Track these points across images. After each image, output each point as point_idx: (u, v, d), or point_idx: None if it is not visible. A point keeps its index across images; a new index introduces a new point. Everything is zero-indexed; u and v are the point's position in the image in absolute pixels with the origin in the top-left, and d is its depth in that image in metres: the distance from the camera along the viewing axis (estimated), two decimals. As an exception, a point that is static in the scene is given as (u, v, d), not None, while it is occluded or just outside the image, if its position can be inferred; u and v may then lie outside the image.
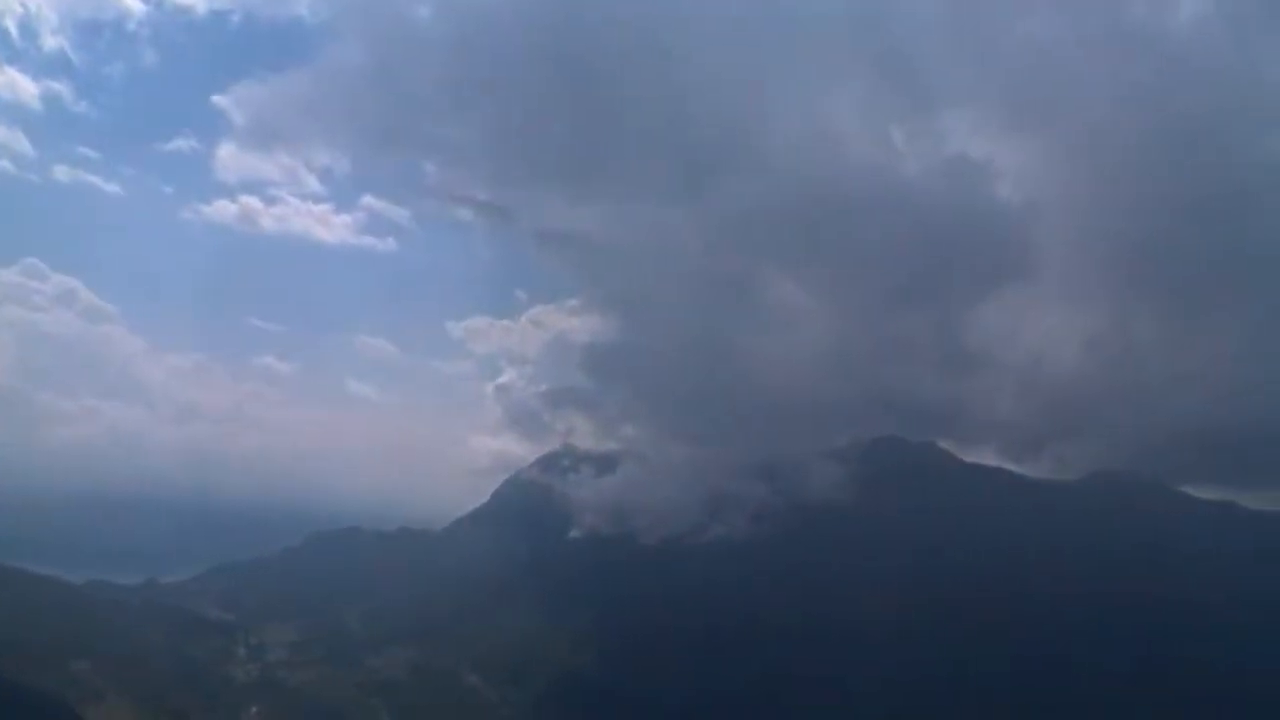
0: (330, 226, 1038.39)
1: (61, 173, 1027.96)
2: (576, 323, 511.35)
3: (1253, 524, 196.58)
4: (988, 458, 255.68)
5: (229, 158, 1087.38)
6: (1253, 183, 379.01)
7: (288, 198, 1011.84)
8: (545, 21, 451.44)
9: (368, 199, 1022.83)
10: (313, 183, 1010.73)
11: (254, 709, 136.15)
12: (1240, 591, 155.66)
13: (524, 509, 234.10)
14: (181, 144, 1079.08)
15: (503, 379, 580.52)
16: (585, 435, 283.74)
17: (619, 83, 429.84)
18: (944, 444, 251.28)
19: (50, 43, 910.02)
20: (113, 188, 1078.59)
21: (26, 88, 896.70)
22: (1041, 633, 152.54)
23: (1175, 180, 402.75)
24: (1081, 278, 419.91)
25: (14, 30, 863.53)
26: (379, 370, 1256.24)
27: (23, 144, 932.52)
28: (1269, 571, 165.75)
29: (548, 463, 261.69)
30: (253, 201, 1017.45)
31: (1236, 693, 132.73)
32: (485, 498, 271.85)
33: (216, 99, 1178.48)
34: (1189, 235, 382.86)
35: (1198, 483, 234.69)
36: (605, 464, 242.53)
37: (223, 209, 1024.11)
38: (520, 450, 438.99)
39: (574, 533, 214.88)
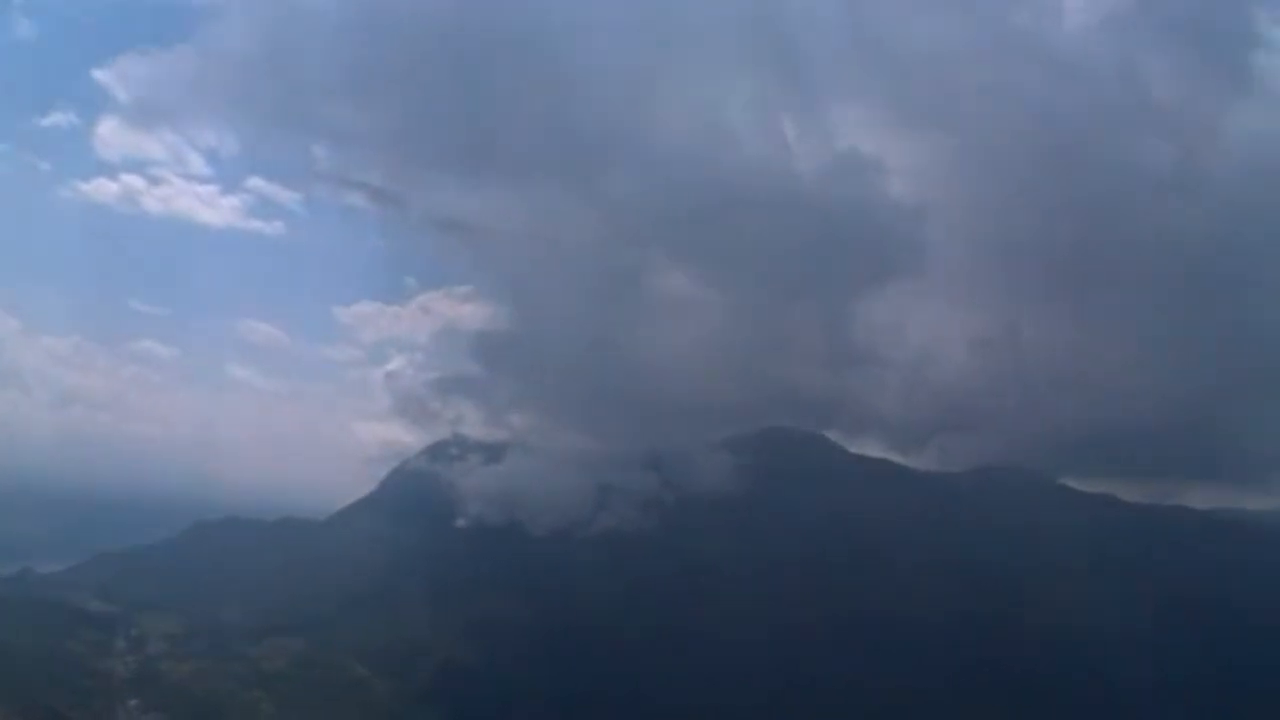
0: (216, 208, 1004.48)
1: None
2: (467, 310, 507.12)
3: (1131, 516, 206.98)
4: (874, 449, 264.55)
5: (110, 134, 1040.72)
6: (1136, 188, 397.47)
7: (172, 177, 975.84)
8: (440, 7, 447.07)
9: (256, 181, 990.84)
10: (198, 163, 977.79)
11: (132, 703, 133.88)
12: (1118, 581, 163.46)
13: (411, 498, 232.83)
14: (59, 119, 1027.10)
15: (391, 366, 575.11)
16: (474, 424, 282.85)
17: (514, 71, 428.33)
18: (831, 435, 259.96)
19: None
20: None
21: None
22: (925, 621, 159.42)
23: (1061, 183, 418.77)
24: (969, 276, 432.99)
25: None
26: (264, 356, 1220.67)
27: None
28: (1146, 561, 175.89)
29: (436, 451, 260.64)
30: (135, 180, 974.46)
31: (1112, 678, 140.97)
32: (372, 486, 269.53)
33: (97, 73, 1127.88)
34: (1073, 238, 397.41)
35: (1079, 476, 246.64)
36: (494, 453, 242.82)
37: (103, 187, 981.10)
38: (408, 438, 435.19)
39: (461, 522, 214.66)
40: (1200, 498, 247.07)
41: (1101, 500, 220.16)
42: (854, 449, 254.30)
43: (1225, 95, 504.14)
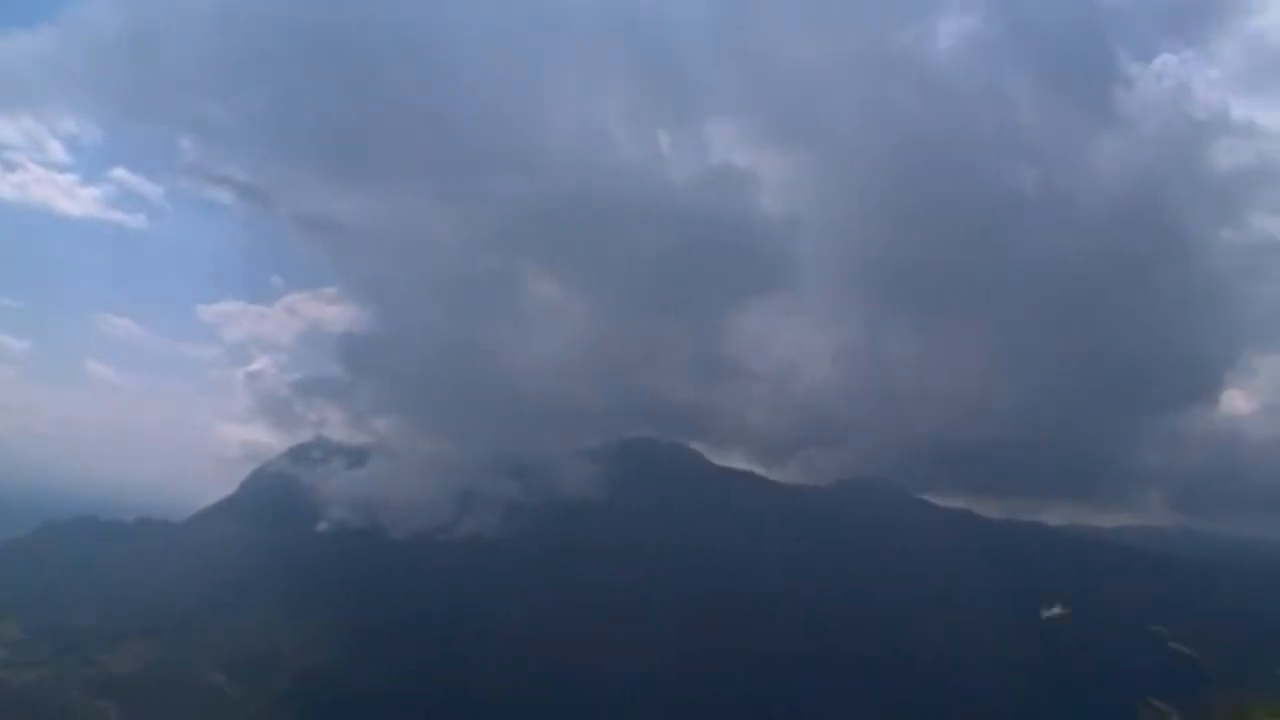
0: (76, 198, 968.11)
1: None
2: (333, 312, 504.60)
3: (988, 531, 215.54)
4: (738, 461, 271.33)
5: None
6: (1000, 209, 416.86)
7: (29, 164, 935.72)
8: (314, 3, 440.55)
9: (119, 172, 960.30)
10: (58, 150, 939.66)
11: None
12: (973, 595, 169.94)
13: (272, 501, 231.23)
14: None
15: (254, 366, 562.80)
16: (337, 427, 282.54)
17: (387, 73, 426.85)
18: (696, 446, 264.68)
19: None
20: None
21: None
22: (784, 633, 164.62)
23: (929, 202, 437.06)
24: (837, 291, 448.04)
25: None
26: (123, 352, 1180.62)
27: None
28: (1001, 576, 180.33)
29: (298, 454, 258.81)
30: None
31: (967, 690, 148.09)
32: (232, 488, 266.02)
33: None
34: (938, 258, 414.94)
35: (939, 491, 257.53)
36: (357, 457, 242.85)
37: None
38: (270, 440, 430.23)
39: (323, 526, 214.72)
40: (1055, 514, 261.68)
41: (959, 515, 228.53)
42: (719, 461, 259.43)
43: (1087, 124, 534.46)
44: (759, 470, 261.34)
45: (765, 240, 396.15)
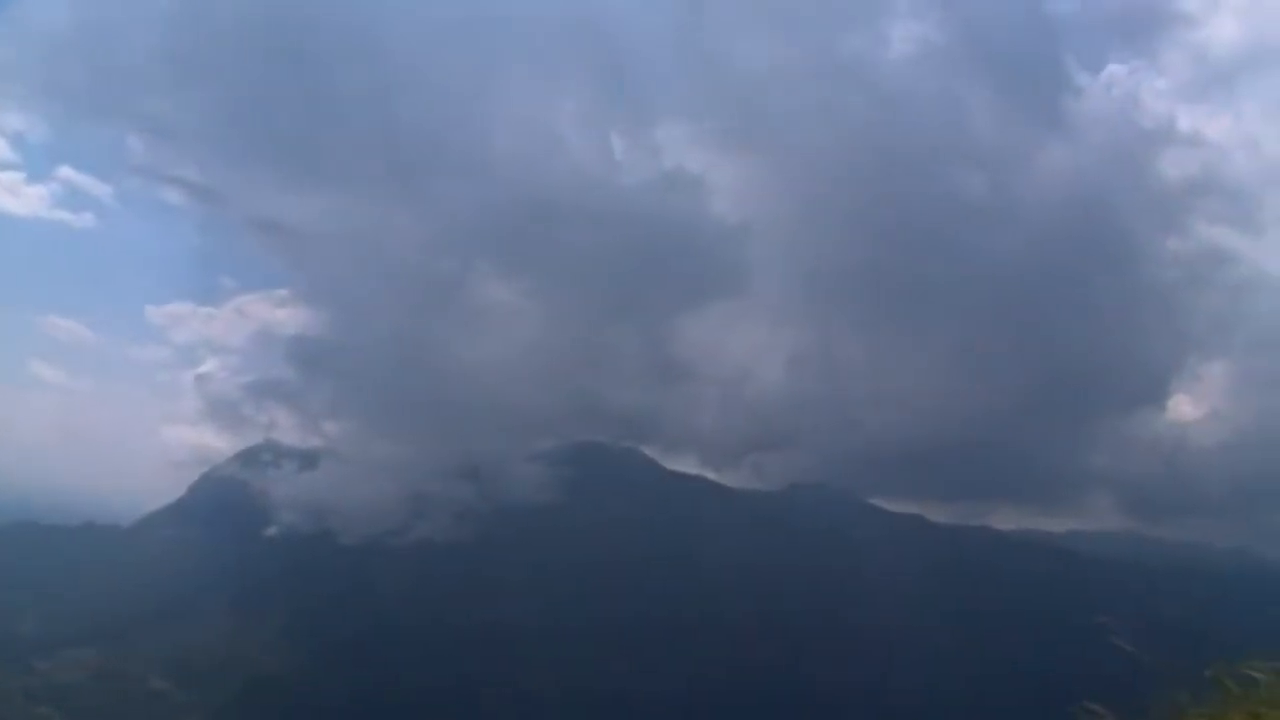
0: (20, 196, 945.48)
1: None
2: (283, 314, 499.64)
3: (938, 536, 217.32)
4: (689, 465, 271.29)
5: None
6: (950, 215, 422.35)
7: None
8: (267, 3, 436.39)
9: (66, 171, 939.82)
10: (3, 147, 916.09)
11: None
12: (922, 599, 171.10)
13: (221, 505, 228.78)
14: None
15: (204, 368, 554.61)
16: (288, 430, 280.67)
17: (339, 74, 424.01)
18: (647, 450, 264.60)
19: None
20: None
21: None
22: (732, 638, 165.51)
23: (879, 207, 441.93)
24: (788, 297, 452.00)
25: None
26: (69, 353, 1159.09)
27: None
28: (950, 581, 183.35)
29: (248, 457, 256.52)
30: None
31: (915, 695, 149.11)
32: (180, 492, 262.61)
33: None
34: (889, 263, 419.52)
35: (889, 496, 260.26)
36: (307, 460, 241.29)
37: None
38: (219, 443, 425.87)
39: (272, 530, 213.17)
40: (1005, 519, 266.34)
41: (909, 520, 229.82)
42: (670, 465, 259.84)
43: (1036, 131, 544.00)
44: (710, 474, 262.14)
45: (717, 244, 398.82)
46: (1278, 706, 4.43)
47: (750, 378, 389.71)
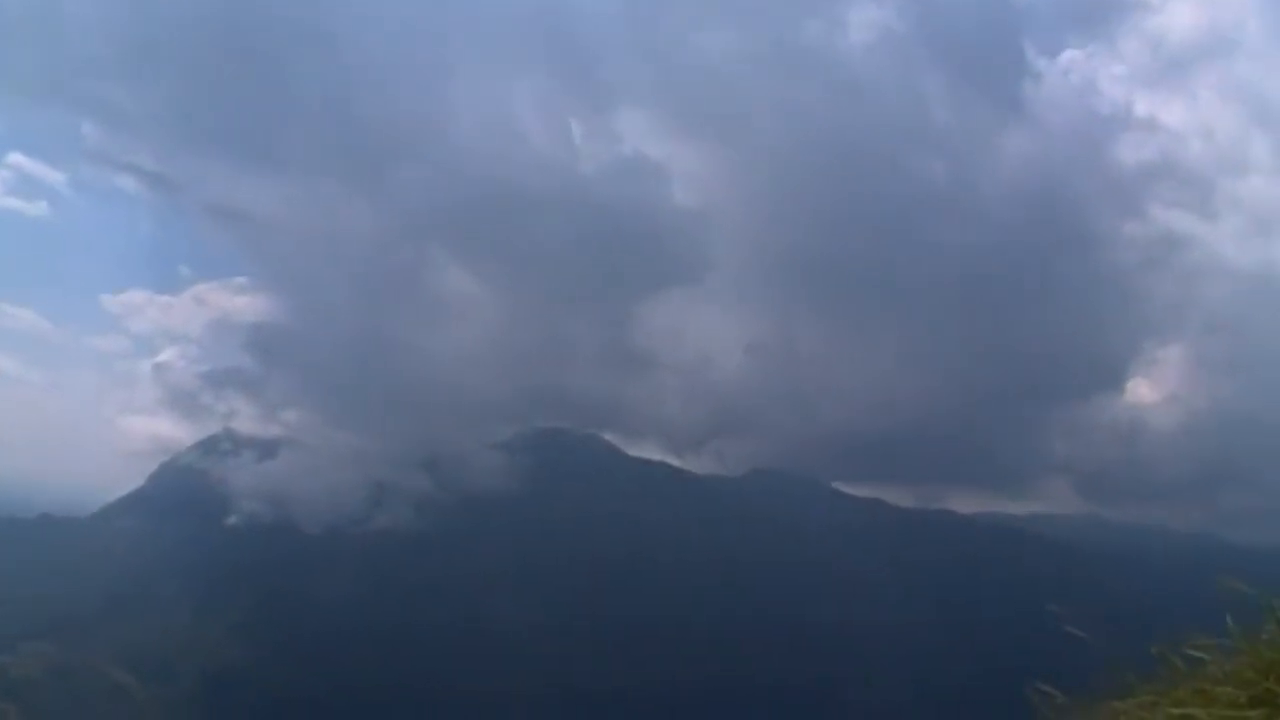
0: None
1: None
2: (242, 302, 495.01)
3: (899, 519, 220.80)
4: (652, 451, 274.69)
5: None
6: (909, 203, 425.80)
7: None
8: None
9: (16, 157, 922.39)
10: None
11: None
12: (885, 582, 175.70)
13: (180, 495, 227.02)
14: None
15: (161, 357, 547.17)
16: (247, 419, 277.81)
17: (298, 62, 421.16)
18: (609, 437, 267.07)
19: None
20: None
21: None
22: (695, 621, 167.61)
23: (839, 196, 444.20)
24: (749, 285, 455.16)
25: None
26: (23, 343, 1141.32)
27: None
28: (912, 564, 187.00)
29: (207, 447, 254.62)
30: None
31: (879, 675, 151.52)
32: (139, 482, 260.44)
33: None
34: (848, 249, 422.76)
35: (850, 480, 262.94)
36: (267, 449, 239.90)
37: None
38: (178, 433, 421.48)
39: (232, 520, 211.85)
40: (966, 503, 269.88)
41: (871, 504, 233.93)
42: (632, 451, 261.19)
43: (996, 119, 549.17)
44: (672, 460, 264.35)
45: (677, 232, 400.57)
46: (1223, 683, 4.91)
47: (711, 364, 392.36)
